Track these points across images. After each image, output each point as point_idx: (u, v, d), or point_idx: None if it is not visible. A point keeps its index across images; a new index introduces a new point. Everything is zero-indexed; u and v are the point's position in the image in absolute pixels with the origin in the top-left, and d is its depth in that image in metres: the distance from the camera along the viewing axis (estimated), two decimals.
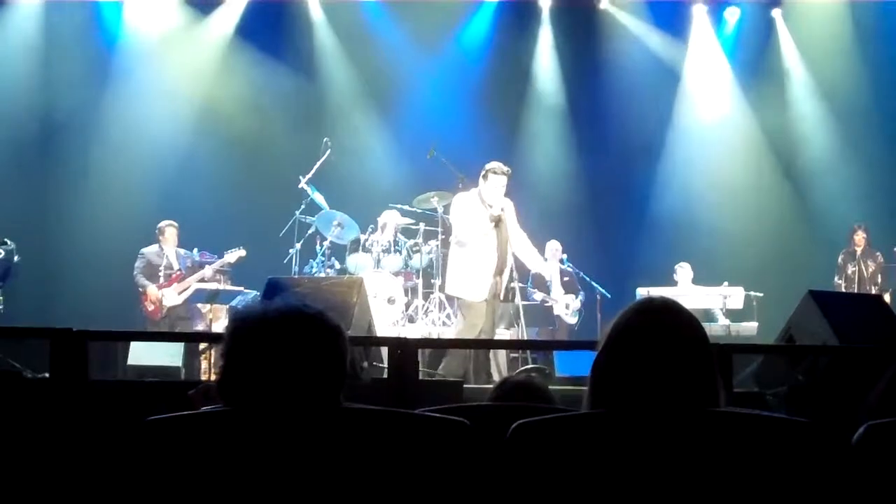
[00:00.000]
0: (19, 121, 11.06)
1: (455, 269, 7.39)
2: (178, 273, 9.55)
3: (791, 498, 1.81)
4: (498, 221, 7.17)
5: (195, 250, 9.85)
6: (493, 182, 7.22)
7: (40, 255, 10.40)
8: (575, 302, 10.23)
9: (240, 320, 1.93)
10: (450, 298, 8.61)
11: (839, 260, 10.29)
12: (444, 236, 9.12)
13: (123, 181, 10.98)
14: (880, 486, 1.87)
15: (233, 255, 9.53)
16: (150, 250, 9.60)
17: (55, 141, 11.15)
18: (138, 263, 9.57)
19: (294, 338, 1.87)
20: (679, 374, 1.92)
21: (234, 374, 1.89)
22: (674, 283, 10.14)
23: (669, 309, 2.01)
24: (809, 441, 1.84)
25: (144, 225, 10.30)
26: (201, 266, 9.64)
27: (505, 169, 7.27)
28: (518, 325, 8.35)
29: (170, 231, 9.66)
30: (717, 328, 9.34)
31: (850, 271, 10.14)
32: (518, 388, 2.94)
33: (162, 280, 9.48)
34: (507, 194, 7.37)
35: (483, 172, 7.30)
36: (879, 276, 10.13)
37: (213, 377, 7.59)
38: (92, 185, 10.96)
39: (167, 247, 9.63)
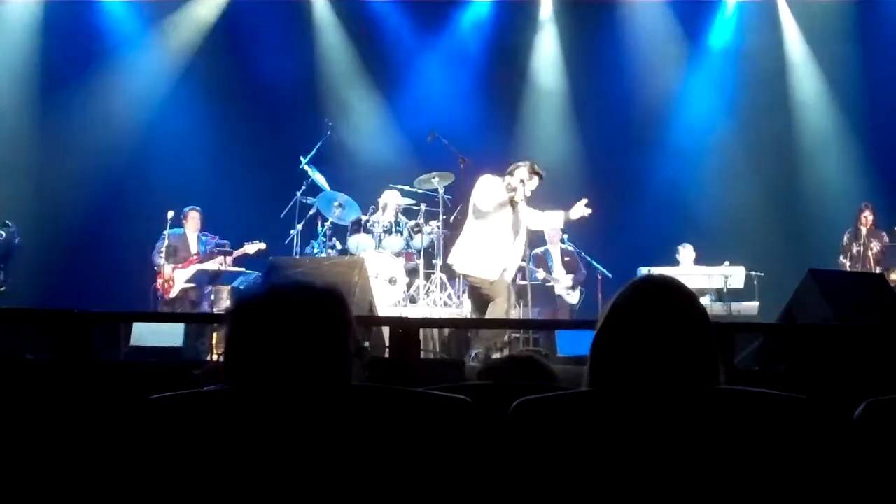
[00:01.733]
0: (20, 105, 11.04)
1: (468, 247, 7.31)
2: (196, 256, 9.70)
3: (791, 474, 1.82)
4: (514, 202, 7.19)
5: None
6: (522, 172, 7.25)
7: (42, 238, 10.41)
8: (567, 279, 10.20)
9: (245, 298, 1.92)
10: (451, 279, 8.61)
11: (844, 239, 10.20)
12: (445, 217, 9.12)
13: (124, 164, 10.98)
14: (880, 462, 1.88)
15: (252, 248, 9.75)
16: (172, 232, 9.78)
17: (55, 124, 11.12)
18: (159, 244, 9.76)
19: (301, 314, 1.87)
20: (678, 351, 1.93)
21: (239, 354, 1.88)
22: (676, 264, 10.15)
23: (668, 286, 2.01)
24: (808, 418, 1.85)
25: (146, 207, 10.32)
26: (220, 253, 9.83)
27: (537, 169, 7.32)
28: (519, 306, 8.39)
29: (192, 215, 9.95)
30: (717, 308, 9.34)
31: (854, 251, 10.06)
32: (521, 366, 2.94)
33: (179, 262, 9.71)
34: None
35: (510, 168, 7.33)
36: (883, 255, 10.06)
37: (216, 357, 7.60)
38: (92, 167, 10.93)
39: (189, 231, 9.91)
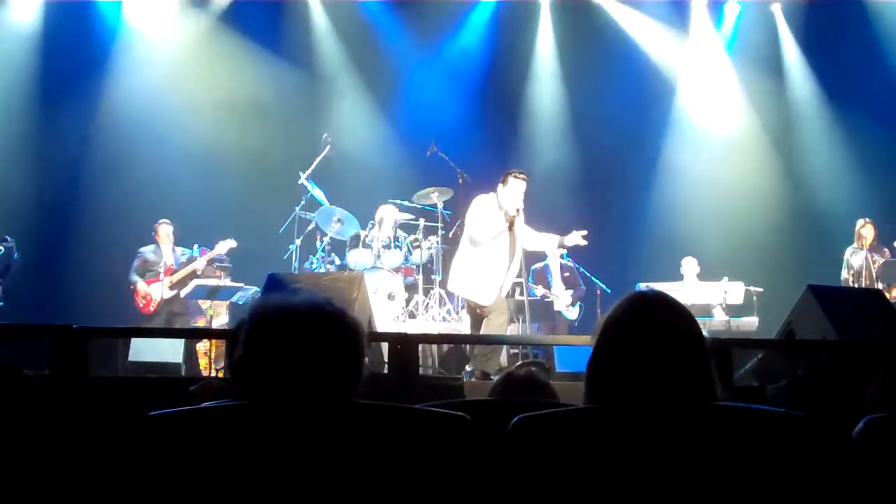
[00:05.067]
0: (18, 117, 11.05)
1: (465, 270, 7.32)
2: (169, 268, 9.62)
3: (789, 492, 1.82)
4: (511, 224, 7.18)
5: (196, 247, 9.86)
6: (513, 186, 7.22)
7: (40, 253, 10.40)
8: (566, 295, 10.19)
9: (264, 310, 1.92)
10: (450, 294, 8.61)
11: (846, 254, 10.12)
12: (444, 232, 9.12)
13: (122, 178, 10.96)
14: (880, 479, 1.88)
15: (223, 246, 9.60)
16: (146, 249, 9.72)
17: (53, 138, 11.12)
18: (134, 262, 9.70)
19: (317, 333, 1.87)
20: (672, 367, 1.92)
21: (252, 365, 1.88)
22: (674, 278, 10.11)
23: (660, 302, 2.01)
24: (807, 435, 1.85)
25: (144, 222, 10.30)
26: (189, 261, 9.69)
27: (524, 175, 7.30)
28: (518, 321, 8.38)
29: (163, 229, 9.77)
30: (717, 324, 9.33)
31: (856, 266, 10.01)
32: (521, 383, 2.94)
33: (154, 276, 9.59)
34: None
35: (503, 178, 7.29)
36: (884, 271, 9.98)
37: (212, 373, 7.59)
38: (91, 181, 10.95)
39: (163, 245, 9.76)
